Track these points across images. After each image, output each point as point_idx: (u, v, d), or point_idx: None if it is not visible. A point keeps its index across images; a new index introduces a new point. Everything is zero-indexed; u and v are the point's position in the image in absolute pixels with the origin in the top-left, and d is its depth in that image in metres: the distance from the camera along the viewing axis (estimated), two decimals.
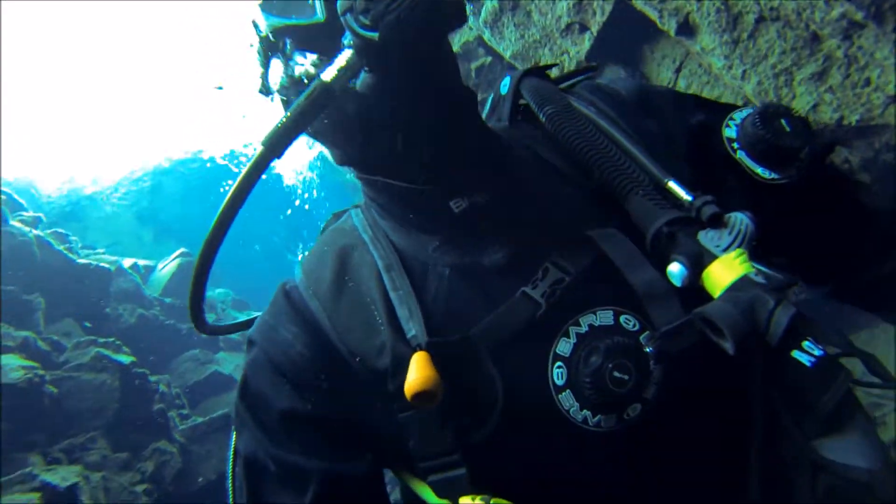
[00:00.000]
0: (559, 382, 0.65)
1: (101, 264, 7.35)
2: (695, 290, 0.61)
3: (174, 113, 17.78)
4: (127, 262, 9.59)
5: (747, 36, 3.04)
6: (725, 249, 0.59)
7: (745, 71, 3.10)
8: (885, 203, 0.81)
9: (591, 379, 0.62)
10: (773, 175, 0.72)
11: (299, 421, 0.73)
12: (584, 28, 3.99)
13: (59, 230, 7.99)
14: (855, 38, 2.57)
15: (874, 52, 2.54)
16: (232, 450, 0.86)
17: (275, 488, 0.73)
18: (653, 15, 3.45)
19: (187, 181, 19.88)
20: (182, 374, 8.22)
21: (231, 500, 0.81)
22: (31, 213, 7.45)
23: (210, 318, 9.37)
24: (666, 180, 0.67)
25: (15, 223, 6.07)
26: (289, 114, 0.64)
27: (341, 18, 0.60)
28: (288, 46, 0.72)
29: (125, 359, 5.61)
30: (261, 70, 0.79)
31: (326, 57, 0.66)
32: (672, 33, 3.44)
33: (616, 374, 0.61)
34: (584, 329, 0.66)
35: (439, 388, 0.61)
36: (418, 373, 0.61)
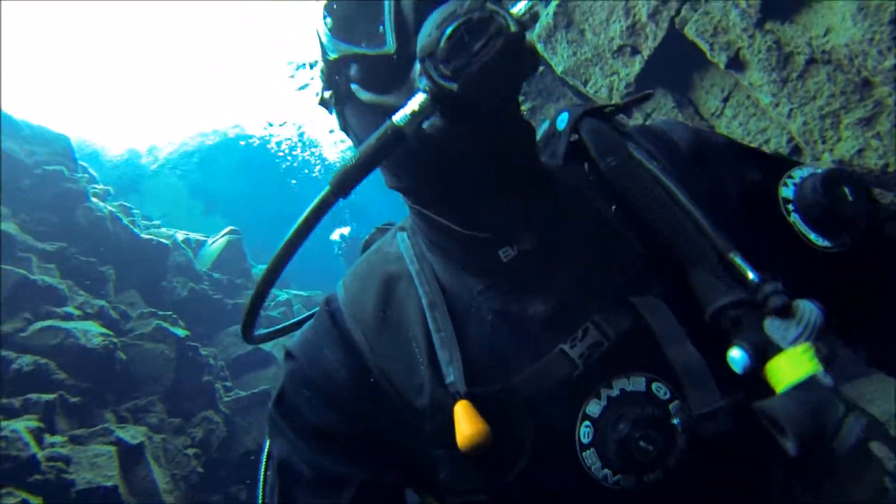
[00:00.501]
0: (585, 441, 0.66)
1: (161, 240, 7.85)
2: (738, 375, 0.60)
3: (222, 88, 18.31)
4: (180, 236, 10.11)
5: (797, 76, 3.12)
6: (793, 342, 0.56)
7: (791, 109, 3.18)
8: None
9: (617, 446, 0.63)
10: (826, 243, 0.69)
11: (336, 436, 0.74)
12: (635, 51, 4.10)
13: (125, 203, 8.57)
14: None
15: None
16: (265, 454, 0.86)
17: (308, 492, 0.73)
18: (703, 47, 3.53)
19: (234, 158, 20.65)
20: (226, 347, 8.53)
21: (260, 501, 0.83)
22: (101, 187, 8.02)
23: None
24: (731, 254, 0.64)
25: (93, 199, 6.60)
26: (358, 155, 0.64)
27: (420, 63, 0.60)
28: (353, 71, 0.71)
29: (181, 332, 6.08)
30: (322, 85, 0.79)
31: (391, 88, 0.67)
32: (722, 66, 3.52)
33: (642, 443, 0.62)
34: (615, 393, 0.66)
35: (490, 440, 0.63)
36: (470, 427, 0.63)
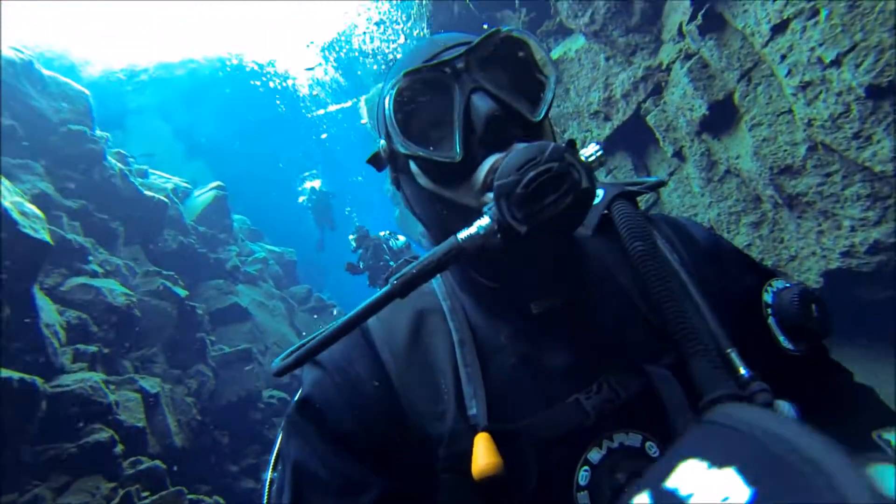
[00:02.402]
0: (582, 483, 0.69)
1: (160, 197, 8.29)
2: None
3: (217, 9, 16.62)
4: (170, 186, 10.30)
5: (717, 179, 4.06)
6: None
7: (711, 202, 4.13)
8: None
9: (611, 493, 0.67)
10: (790, 347, 0.80)
11: (358, 444, 0.74)
12: (607, 118, 4.95)
13: (121, 151, 8.79)
14: (779, 210, 3.61)
15: (788, 223, 3.59)
16: (274, 454, 0.86)
17: (323, 494, 0.72)
18: (658, 135, 4.42)
19: (222, 103, 20.24)
20: (206, 299, 9.00)
21: (265, 500, 0.83)
22: (102, 133, 8.27)
23: (233, 250, 10.29)
24: (728, 350, 0.72)
25: (109, 158, 7.05)
26: (422, 263, 0.69)
27: (495, 200, 0.65)
28: (412, 166, 0.77)
29: (181, 292, 6.77)
30: (381, 144, 0.83)
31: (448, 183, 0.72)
32: (668, 154, 4.43)
33: None
34: (615, 445, 0.71)
35: (502, 472, 0.66)
36: (487, 458, 0.66)
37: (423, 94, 0.75)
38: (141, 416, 4.47)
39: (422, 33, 8.25)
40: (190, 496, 4.17)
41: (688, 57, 3.84)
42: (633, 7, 4.32)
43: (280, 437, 0.87)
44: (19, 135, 5.76)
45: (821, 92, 2.89)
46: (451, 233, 0.71)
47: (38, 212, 4.14)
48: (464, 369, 0.74)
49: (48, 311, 4.26)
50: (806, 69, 2.91)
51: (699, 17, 3.51)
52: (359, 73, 16.07)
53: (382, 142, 0.82)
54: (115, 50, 17.29)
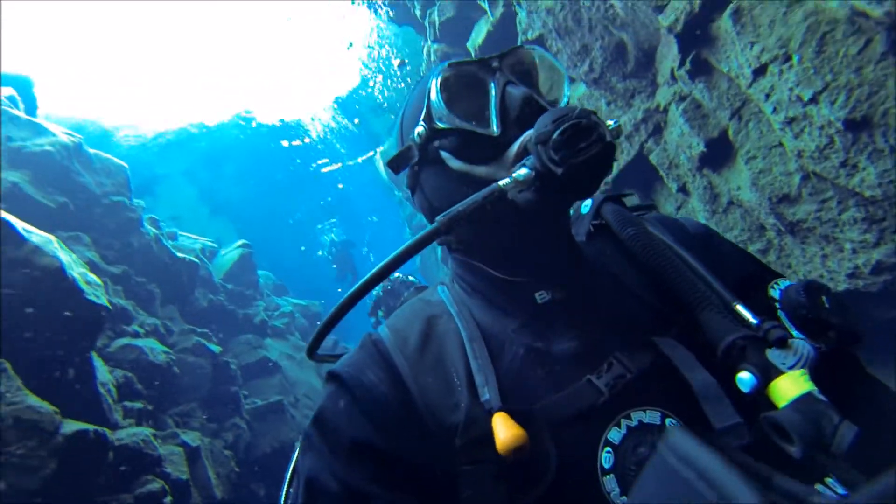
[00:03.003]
0: (606, 466, 0.69)
1: (192, 258, 8.75)
2: (749, 399, 0.65)
3: (230, 74, 17.72)
4: (198, 245, 10.84)
5: (722, 210, 4.24)
6: (791, 368, 0.64)
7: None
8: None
9: (637, 468, 0.67)
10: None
11: (369, 452, 0.74)
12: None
13: (154, 216, 9.34)
14: (783, 236, 3.77)
15: (793, 249, 3.74)
16: (290, 470, 0.85)
17: None
18: (661, 172, 4.64)
19: (242, 163, 21.20)
20: (237, 354, 9.29)
21: None
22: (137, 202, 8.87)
23: (260, 305, 10.59)
24: (734, 303, 0.73)
25: (146, 225, 7.56)
26: (465, 203, 0.72)
27: (534, 146, 0.70)
28: (449, 141, 0.80)
29: (216, 348, 7.08)
30: (403, 145, 0.87)
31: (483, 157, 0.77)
32: (673, 190, 4.63)
33: None
34: (634, 423, 0.71)
35: (528, 444, 0.65)
36: (509, 430, 0.66)
37: (464, 83, 0.82)
38: (184, 468, 4.67)
39: None
40: None
41: (682, 99, 4.11)
42: (628, 55, 4.65)
43: (296, 453, 0.87)
44: (71, 210, 6.26)
45: (805, 126, 3.11)
46: (477, 218, 0.74)
47: (97, 279, 4.51)
48: (474, 361, 0.77)
49: (102, 371, 4.56)
50: (789, 106, 3.15)
51: (687, 62, 3.80)
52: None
53: (419, 128, 0.83)
54: (143, 115, 18.45)
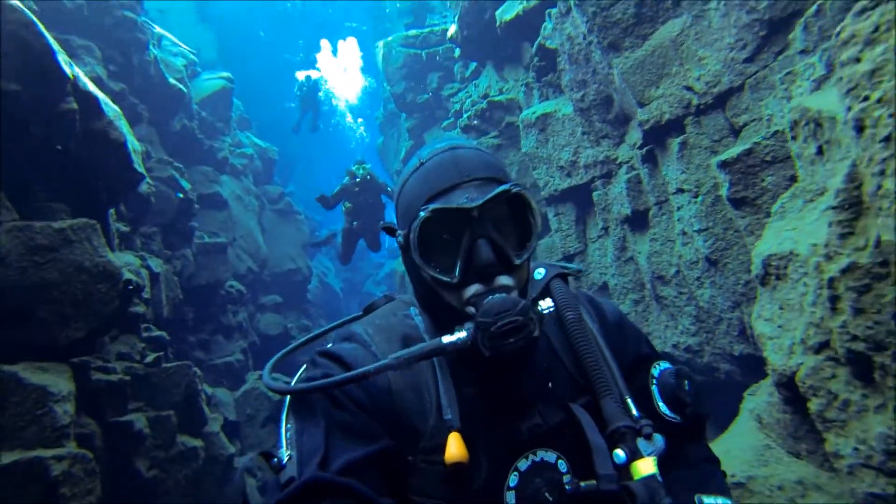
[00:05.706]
0: (511, 485, 0.94)
1: (181, 87, 8.87)
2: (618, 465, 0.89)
3: None
4: (181, 62, 10.66)
5: (624, 260, 5.41)
6: (648, 454, 0.89)
7: (615, 273, 5.50)
8: None
9: (532, 492, 0.94)
10: (667, 412, 1.05)
11: (365, 412, 0.95)
12: (568, 175, 6.08)
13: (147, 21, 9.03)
14: (651, 301, 5.05)
15: (654, 311, 5.05)
16: (285, 413, 0.99)
17: (349, 436, 0.91)
18: (596, 209, 5.68)
19: None
20: (193, 182, 9.60)
21: (283, 444, 0.91)
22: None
23: (226, 140, 12.17)
24: (626, 396, 0.98)
25: (151, 47, 7.63)
26: (415, 350, 0.92)
27: (475, 328, 0.90)
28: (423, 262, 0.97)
29: (186, 184, 7.78)
30: (398, 235, 1.04)
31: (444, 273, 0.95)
32: (598, 226, 5.71)
33: (546, 494, 0.93)
34: (537, 458, 0.96)
35: (467, 461, 0.89)
36: (457, 449, 0.89)
37: (441, 226, 0.97)
38: (149, 290, 5.65)
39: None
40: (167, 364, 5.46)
41: (632, 168, 5.11)
42: (614, 106, 5.49)
43: (290, 403, 0.97)
44: (85, 15, 6.43)
45: (688, 243, 4.29)
46: (435, 309, 1.02)
47: (140, 147, 5.15)
48: (441, 384, 0.97)
49: None
50: (686, 224, 4.29)
51: (644, 150, 4.78)
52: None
53: (402, 236, 1.02)
54: None
